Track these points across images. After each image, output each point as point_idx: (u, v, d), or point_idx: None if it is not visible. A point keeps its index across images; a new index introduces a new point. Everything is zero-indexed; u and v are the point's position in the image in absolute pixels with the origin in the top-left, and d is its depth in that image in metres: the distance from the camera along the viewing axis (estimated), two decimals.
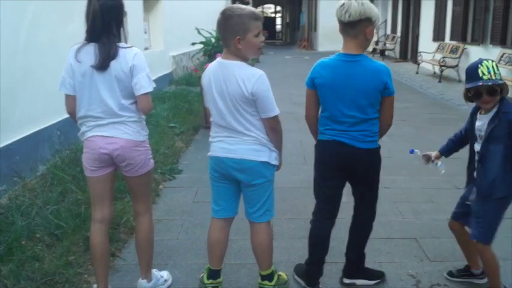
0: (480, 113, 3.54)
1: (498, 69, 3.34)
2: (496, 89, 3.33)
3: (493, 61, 3.37)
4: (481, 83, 3.31)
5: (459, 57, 16.07)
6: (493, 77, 3.29)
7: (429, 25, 20.04)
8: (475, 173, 3.60)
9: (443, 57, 16.62)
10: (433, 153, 3.98)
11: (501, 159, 3.35)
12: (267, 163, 3.49)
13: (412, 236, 4.78)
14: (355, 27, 3.53)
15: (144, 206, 3.75)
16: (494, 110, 3.40)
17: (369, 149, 3.61)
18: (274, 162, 3.56)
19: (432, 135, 8.84)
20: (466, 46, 16.05)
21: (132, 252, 4.37)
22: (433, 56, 18.29)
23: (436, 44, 18.74)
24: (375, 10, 3.52)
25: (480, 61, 3.36)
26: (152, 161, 3.69)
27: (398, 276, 4.09)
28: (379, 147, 3.69)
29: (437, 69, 16.96)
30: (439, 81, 16.18)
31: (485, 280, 3.92)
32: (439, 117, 10.59)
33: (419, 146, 7.94)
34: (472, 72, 3.36)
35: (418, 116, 10.55)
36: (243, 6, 3.42)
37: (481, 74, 3.30)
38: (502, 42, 13.45)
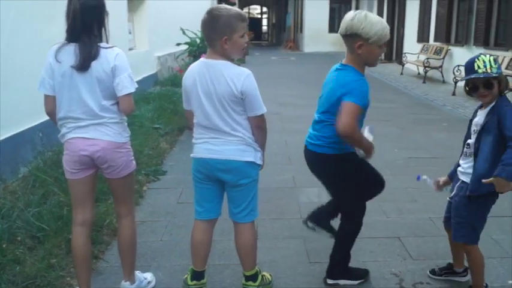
0: (481, 109, 3.56)
1: (496, 64, 3.37)
2: (491, 82, 3.36)
3: (491, 56, 3.41)
4: (473, 76, 3.36)
5: (443, 58, 16.19)
6: (489, 71, 3.32)
7: (414, 26, 20.19)
8: (459, 169, 3.63)
9: (428, 58, 16.73)
10: (442, 179, 3.91)
11: (489, 152, 3.36)
12: (252, 163, 3.49)
13: (395, 235, 4.80)
14: (345, 41, 3.56)
15: (126, 208, 3.72)
16: (492, 104, 3.42)
17: (315, 152, 3.71)
18: (259, 162, 3.56)
19: (416, 136, 8.90)
20: (450, 47, 16.17)
21: (115, 254, 4.35)
22: (418, 57, 18.43)
23: (420, 45, 18.87)
24: (368, 27, 3.40)
25: (478, 55, 3.41)
26: (134, 162, 3.65)
27: (381, 275, 4.10)
28: (335, 153, 3.63)
29: (421, 70, 17.06)
30: (424, 82, 16.28)
31: (467, 278, 3.95)
32: (423, 118, 10.65)
33: (404, 146, 8.06)
34: (469, 65, 3.41)
35: (402, 117, 10.59)
36: (229, 6, 3.43)
37: (476, 68, 3.35)
38: (485, 43, 13.57)
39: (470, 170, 3.48)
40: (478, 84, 3.40)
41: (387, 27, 3.47)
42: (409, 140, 8.59)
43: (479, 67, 3.34)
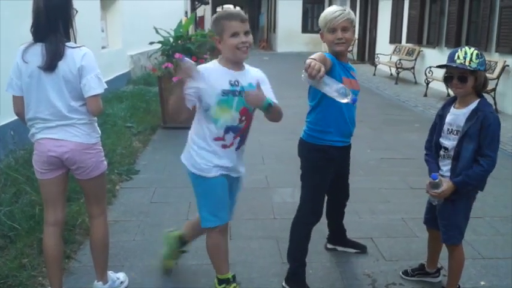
0: (455, 107, 3.54)
1: (478, 59, 3.32)
2: (465, 76, 3.35)
3: (476, 50, 3.38)
4: (448, 64, 3.37)
5: (415, 59, 16.38)
6: (466, 63, 3.30)
7: (386, 28, 20.37)
8: (440, 173, 3.60)
9: (400, 60, 16.87)
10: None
11: (471, 157, 3.40)
12: None
13: (368, 235, 4.82)
14: None
15: (98, 208, 3.69)
16: (473, 106, 3.41)
17: (300, 138, 3.94)
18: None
19: (388, 136, 8.99)
20: (422, 49, 16.36)
21: (87, 254, 4.30)
22: (390, 58, 18.59)
23: (392, 47, 19.05)
24: (320, 18, 3.77)
25: (463, 47, 3.41)
26: (105, 163, 3.60)
27: (354, 276, 4.13)
28: (307, 141, 3.85)
29: (393, 71, 17.21)
30: (396, 83, 16.42)
31: (439, 278, 4.01)
32: (395, 118, 10.75)
33: (376, 146, 8.12)
34: (451, 54, 3.41)
35: (374, 117, 10.67)
36: (231, 8, 3.44)
37: (456, 57, 3.35)
38: (457, 44, 13.72)
39: (448, 173, 3.51)
40: (453, 75, 3.41)
41: (329, 13, 3.69)
42: (381, 141, 8.67)
43: (458, 57, 3.34)
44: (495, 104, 11.31)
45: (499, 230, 4.98)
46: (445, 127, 3.55)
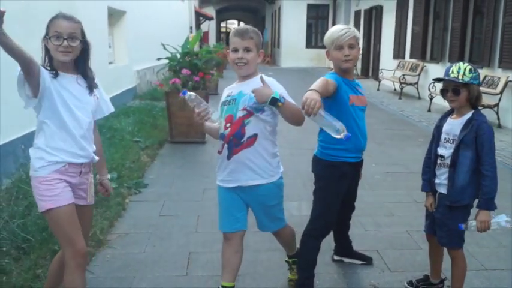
0: (451, 117, 3.72)
1: (471, 74, 3.53)
2: (458, 88, 3.54)
3: (470, 65, 3.59)
4: (443, 77, 3.58)
5: (419, 74, 16.47)
6: (459, 77, 3.51)
7: (390, 43, 20.48)
8: (436, 181, 3.76)
9: (404, 75, 16.95)
10: (430, 202, 3.89)
11: (469, 165, 3.55)
12: None
13: (373, 247, 4.91)
14: None
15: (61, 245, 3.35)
16: (467, 116, 3.59)
17: (314, 155, 4.03)
18: None
19: (393, 151, 9.07)
20: (426, 64, 16.46)
21: (99, 265, 4.43)
22: (394, 73, 18.69)
23: (396, 62, 19.16)
24: (325, 36, 3.90)
25: (458, 62, 3.62)
26: (44, 204, 3.15)
27: (360, 286, 4.22)
28: (321, 158, 3.93)
29: (397, 86, 17.28)
30: (400, 98, 16.51)
31: None
32: (399, 133, 10.84)
33: (381, 161, 8.21)
34: (447, 69, 3.62)
35: (379, 132, 10.76)
36: (235, 23, 3.56)
37: (450, 72, 3.56)
38: (460, 60, 13.73)
39: (446, 181, 3.65)
40: (448, 88, 3.60)
41: (335, 31, 3.83)
42: (386, 155, 8.76)
43: (452, 72, 3.55)
44: (498, 119, 11.41)
45: (501, 242, 5.06)
46: (442, 136, 3.72)
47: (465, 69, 3.53)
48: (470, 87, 3.55)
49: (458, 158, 3.57)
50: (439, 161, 3.73)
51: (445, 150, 3.67)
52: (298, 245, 4.08)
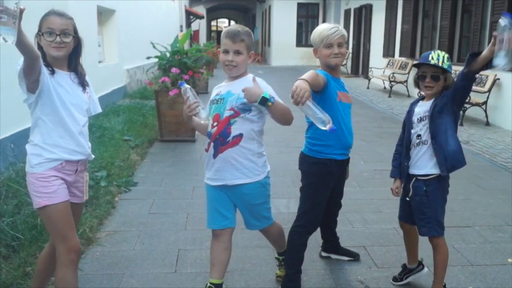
0: (422, 101, 3.85)
1: (449, 61, 3.67)
2: (439, 75, 3.66)
3: (446, 53, 3.71)
4: (425, 62, 3.67)
5: (408, 73, 16.56)
6: (440, 64, 3.62)
7: (379, 42, 20.59)
8: (409, 165, 3.86)
9: (393, 73, 17.07)
10: (396, 186, 4.09)
11: (451, 129, 3.67)
12: None
13: (360, 244, 4.96)
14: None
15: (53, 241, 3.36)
16: (437, 96, 3.72)
17: (301, 152, 4.09)
18: None
19: (381, 148, 9.13)
20: (415, 62, 16.46)
21: (89, 263, 4.45)
22: (383, 72, 18.79)
23: (386, 60, 19.26)
24: (313, 34, 3.96)
25: (435, 50, 3.76)
26: (39, 201, 3.17)
27: (347, 282, 4.26)
28: (308, 155, 3.98)
29: (387, 84, 17.40)
30: (389, 96, 16.61)
31: (425, 270, 4.18)
32: (389, 131, 10.89)
33: (370, 158, 8.27)
34: (425, 56, 3.73)
35: (368, 130, 10.83)
36: (226, 22, 3.58)
37: (430, 58, 3.66)
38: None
39: (424, 157, 3.76)
40: (426, 74, 3.71)
41: (325, 29, 3.87)
42: (374, 153, 8.82)
43: (432, 58, 3.65)
44: (486, 116, 11.52)
45: (487, 238, 5.13)
46: (414, 118, 3.82)
47: (443, 56, 3.66)
48: (447, 75, 3.69)
49: (436, 128, 3.66)
50: (416, 141, 3.80)
51: (420, 128, 3.76)
52: None
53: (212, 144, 3.54)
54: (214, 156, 3.55)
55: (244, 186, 3.59)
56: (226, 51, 3.49)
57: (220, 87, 3.67)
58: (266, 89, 3.44)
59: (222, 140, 3.50)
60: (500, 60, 3.10)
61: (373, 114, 13.21)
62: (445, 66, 3.62)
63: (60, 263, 3.21)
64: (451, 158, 3.68)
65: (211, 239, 3.76)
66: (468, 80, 3.49)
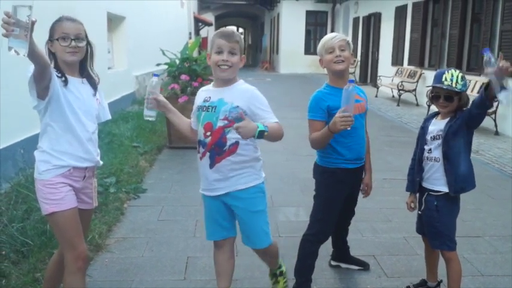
0: (436, 119, 3.80)
1: (463, 81, 3.61)
2: (452, 96, 3.61)
3: (460, 72, 3.67)
4: (438, 85, 3.61)
5: (417, 81, 16.54)
6: (453, 85, 3.56)
7: (388, 50, 20.56)
8: (424, 174, 3.82)
9: (402, 82, 17.01)
10: (411, 200, 4.03)
11: (464, 152, 3.65)
12: None
13: (370, 253, 4.94)
14: None
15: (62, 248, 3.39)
16: (452, 115, 3.68)
17: (314, 162, 4.09)
18: None
19: (390, 157, 9.10)
20: (424, 71, 16.52)
21: (98, 269, 4.45)
22: (392, 80, 18.75)
23: (394, 69, 19.23)
24: (318, 47, 3.99)
25: (449, 69, 3.68)
26: (47, 207, 3.18)
27: None
28: (320, 165, 4.00)
29: (395, 93, 17.35)
30: (398, 105, 16.57)
31: None
32: (397, 140, 10.87)
33: (378, 167, 8.21)
34: (438, 75, 3.67)
35: (377, 139, 10.78)
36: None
37: (443, 79, 3.60)
38: (458, 67, 13.85)
39: (437, 175, 3.73)
40: (440, 94, 3.66)
41: (326, 38, 3.92)
42: (383, 162, 8.79)
43: (446, 79, 3.59)
44: (496, 126, 11.47)
45: (498, 248, 5.10)
46: (428, 136, 3.79)
47: (457, 76, 3.59)
48: (462, 95, 3.64)
49: (450, 150, 3.63)
50: (426, 155, 3.78)
51: (434, 146, 3.73)
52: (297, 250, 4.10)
53: (208, 154, 3.42)
54: (211, 166, 3.42)
55: (244, 191, 3.48)
56: (219, 52, 3.35)
57: (208, 91, 3.53)
58: (258, 99, 3.42)
59: (218, 150, 3.39)
60: (502, 96, 3.17)
61: (381, 123, 13.17)
62: (459, 88, 3.57)
63: (68, 270, 3.22)
64: (460, 181, 3.66)
65: (214, 249, 3.73)
66: (485, 107, 3.43)
